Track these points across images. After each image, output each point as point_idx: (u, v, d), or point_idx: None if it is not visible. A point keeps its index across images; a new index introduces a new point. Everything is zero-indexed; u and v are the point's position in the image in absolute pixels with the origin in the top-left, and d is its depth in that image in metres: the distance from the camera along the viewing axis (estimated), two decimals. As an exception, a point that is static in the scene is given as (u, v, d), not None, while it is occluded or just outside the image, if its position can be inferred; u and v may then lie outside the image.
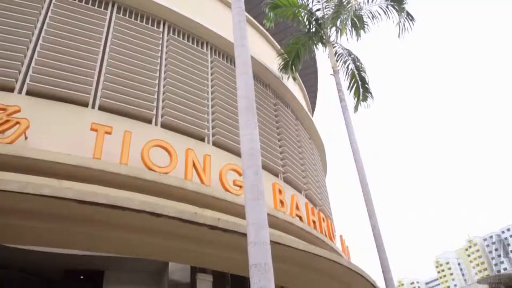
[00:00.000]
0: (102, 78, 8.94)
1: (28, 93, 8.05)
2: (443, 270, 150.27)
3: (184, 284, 16.95)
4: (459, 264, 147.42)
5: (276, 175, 11.72)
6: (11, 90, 7.90)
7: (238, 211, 8.08)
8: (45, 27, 8.87)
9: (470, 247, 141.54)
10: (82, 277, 18.88)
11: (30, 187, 5.52)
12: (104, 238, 6.68)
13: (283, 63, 14.39)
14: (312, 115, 20.23)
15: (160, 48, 10.31)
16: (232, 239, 6.96)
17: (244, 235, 6.90)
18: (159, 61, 10.09)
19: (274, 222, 9.24)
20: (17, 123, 7.01)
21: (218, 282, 13.71)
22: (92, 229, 6.42)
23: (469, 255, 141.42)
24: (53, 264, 16.77)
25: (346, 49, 15.17)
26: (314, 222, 11.06)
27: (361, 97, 14.86)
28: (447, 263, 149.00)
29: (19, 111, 7.12)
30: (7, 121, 6.99)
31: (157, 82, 9.68)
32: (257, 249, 3.39)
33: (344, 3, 14.67)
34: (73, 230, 6.41)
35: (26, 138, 7.21)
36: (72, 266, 17.44)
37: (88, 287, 19.57)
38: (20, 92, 8.00)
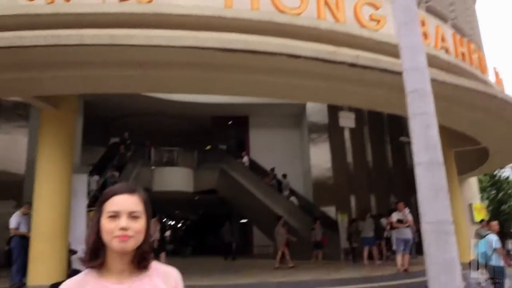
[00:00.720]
0: None
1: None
2: None
3: (322, 125, 17.80)
4: None
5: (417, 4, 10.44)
6: None
7: (377, 48, 7.60)
8: None
9: None
10: (229, 122, 21.18)
11: (175, 40, 5.87)
12: (244, 82, 7.04)
13: None
14: None
15: None
16: (372, 75, 6.71)
17: (385, 71, 6.62)
18: None
19: (417, 57, 8.55)
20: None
21: (357, 119, 13.95)
22: (233, 75, 6.77)
23: None
24: (204, 112, 18.97)
25: None
26: (462, 54, 9.93)
27: None
28: None
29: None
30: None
31: None
32: (414, 74, 3.14)
33: None
34: (216, 77, 6.85)
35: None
36: (220, 113, 19.53)
37: (235, 130, 22.00)
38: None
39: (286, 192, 16.72)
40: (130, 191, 1.17)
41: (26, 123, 14.62)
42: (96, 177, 13.76)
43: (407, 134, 17.04)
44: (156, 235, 10.46)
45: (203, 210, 27.80)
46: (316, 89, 7.23)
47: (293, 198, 16.31)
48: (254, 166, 18.11)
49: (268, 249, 17.31)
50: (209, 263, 14.19)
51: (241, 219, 20.87)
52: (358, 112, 14.89)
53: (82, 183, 9.18)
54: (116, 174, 14.52)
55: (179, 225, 33.39)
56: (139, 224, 1.13)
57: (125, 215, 1.12)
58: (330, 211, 16.32)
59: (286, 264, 11.84)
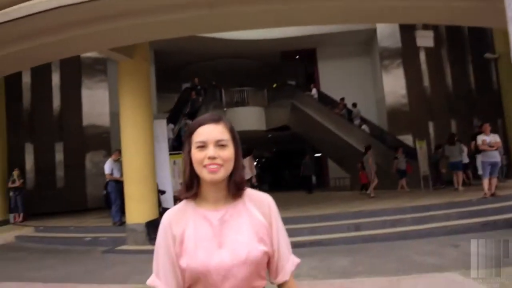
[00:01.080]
0: None
1: None
2: None
3: (394, 49, 16.77)
4: None
5: None
6: None
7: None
8: None
9: None
10: (297, 56, 20.70)
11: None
12: (313, 10, 6.69)
13: None
14: None
15: None
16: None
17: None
18: None
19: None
20: None
21: (434, 38, 12.72)
22: (301, 4, 6.46)
23: None
24: (272, 49, 18.70)
25: None
26: None
27: None
28: None
29: None
30: None
31: None
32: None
33: None
34: (282, 8, 6.59)
35: None
36: (287, 48, 19.11)
37: (303, 64, 21.52)
38: None
39: (357, 121, 16.31)
40: (215, 120, 1.18)
41: (105, 77, 15.48)
42: (171, 126, 14.35)
43: (492, 50, 15.54)
44: (253, 171, 10.92)
45: (277, 147, 28.24)
46: (389, 8, 6.67)
47: (364, 127, 15.90)
48: (323, 98, 17.76)
49: (344, 181, 17.37)
50: (287, 197, 14.62)
51: (315, 154, 20.95)
52: (435, 31, 13.73)
53: (162, 128, 9.68)
54: (190, 122, 15.02)
55: (255, 163, 34.44)
56: (228, 152, 1.15)
57: (212, 144, 1.13)
58: (407, 139, 15.76)
59: (368, 194, 11.88)
